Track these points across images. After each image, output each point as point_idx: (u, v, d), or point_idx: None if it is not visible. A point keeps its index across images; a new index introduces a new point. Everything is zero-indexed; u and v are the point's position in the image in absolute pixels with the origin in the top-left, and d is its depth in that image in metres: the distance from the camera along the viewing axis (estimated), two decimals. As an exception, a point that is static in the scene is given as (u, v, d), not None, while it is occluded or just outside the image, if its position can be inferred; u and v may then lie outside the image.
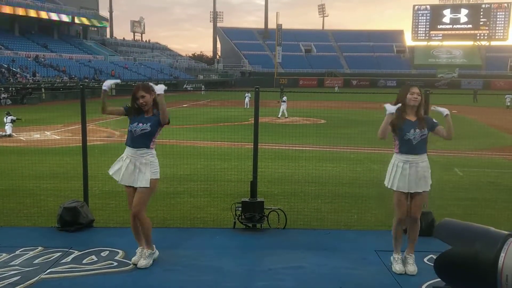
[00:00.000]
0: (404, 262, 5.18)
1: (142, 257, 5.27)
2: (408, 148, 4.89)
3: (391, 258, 5.28)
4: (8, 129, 19.12)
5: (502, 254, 1.19)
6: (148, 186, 5.07)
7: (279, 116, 27.21)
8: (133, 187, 5.13)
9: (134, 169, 5.08)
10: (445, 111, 4.90)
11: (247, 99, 32.73)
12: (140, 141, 5.08)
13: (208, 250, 5.78)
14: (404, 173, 4.90)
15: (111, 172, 5.28)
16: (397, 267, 5.15)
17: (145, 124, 5.05)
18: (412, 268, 5.09)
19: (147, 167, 5.08)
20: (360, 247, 5.95)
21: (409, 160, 4.90)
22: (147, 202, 5.26)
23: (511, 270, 1.17)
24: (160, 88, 5.03)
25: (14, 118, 19.54)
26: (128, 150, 5.15)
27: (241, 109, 26.75)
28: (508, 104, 37.18)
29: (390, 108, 4.90)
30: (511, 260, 1.17)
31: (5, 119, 19.38)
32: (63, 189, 9.08)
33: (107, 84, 5.22)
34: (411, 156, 4.90)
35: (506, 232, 1.24)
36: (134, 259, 5.32)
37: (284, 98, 27.99)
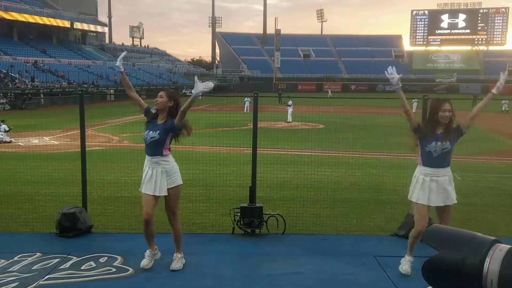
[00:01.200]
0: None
1: (175, 260, 5.36)
2: (428, 160, 4.89)
3: (404, 259, 5.31)
4: (3, 137, 18.91)
5: (487, 260, 1.22)
6: (166, 194, 5.11)
7: (290, 120, 27.31)
8: (149, 194, 5.13)
9: (151, 176, 5.10)
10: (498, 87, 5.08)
11: (247, 104, 32.68)
12: (152, 149, 5.11)
13: (207, 256, 5.77)
14: (424, 185, 4.91)
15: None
16: (404, 267, 5.21)
17: (154, 132, 5.07)
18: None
19: (163, 176, 5.10)
20: (359, 253, 5.95)
21: (429, 173, 4.90)
22: (177, 208, 5.33)
23: (496, 275, 1.20)
24: (198, 88, 4.92)
25: (7, 128, 19.26)
26: (147, 158, 5.20)
27: (240, 114, 26.78)
28: (505, 109, 37.18)
29: (393, 75, 5.00)
30: (495, 265, 1.20)
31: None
32: (62, 194, 9.08)
33: (119, 64, 5.33)
34: (431, 169, 4.89)
35: (492, 238, 1.26)
36: (143, 262, 5.31)
37: (290, 102, 28.08)
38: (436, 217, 5.22)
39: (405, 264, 5.25)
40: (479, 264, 1.20)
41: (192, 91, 5.01)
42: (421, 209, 4.99)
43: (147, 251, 5.40)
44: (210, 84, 5.07)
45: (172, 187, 5.12)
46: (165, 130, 5.07)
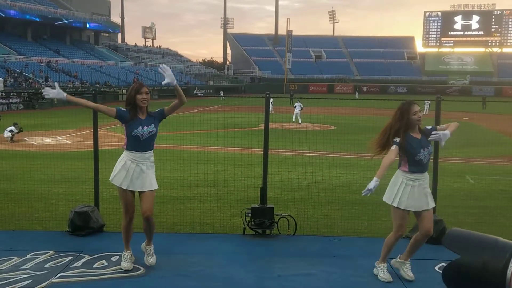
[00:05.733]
0: (401, 268, 5.18)
1: (149, 255, 5.33)
2: (418, 167, 4.86)
3: (378, 267, 5.21)
4: (7, 136, 18.96)
5: (511, 265, 1.20)
6: (157, 187, 5.15)
7: (294, 121, 27.12)
8: (132, 192, 5.12)
9: (140, 173, 5.04)
10: (446, 134, 4.91)
11: (271, 106, 32.47)
12: (148, 144, 5.07)
13: (217, 256, 5.78)
14: (412, 191, 4.86)
15: (117, 182, 5.06)
16: (385, 276, 5.11)
17: (150, 126, 5.01)
18: (411, 273, 5.09)
19: (152, 169, 5.15)
20: (370, 255, 5.91)
21: (416, 178, 4.87)
22: None
23: None
24: (169, 78, 5.02)
25: (15, 130, 19.33)
26: (134, 155, 5.02)
27: (251, 114, 26.73)
28: None
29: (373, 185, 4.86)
30: None
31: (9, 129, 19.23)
32: (74, 193, 9.16)
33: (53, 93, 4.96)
34: (419, 175, 4.88)
35: None
36: (126, 265, 5.23)
37: (296, 104, 28.00)
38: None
39: (384, 272, 5.13)
40: (502, 268, 1.19)
41: (169, 83, 5.01)
42: (405, 216, 4.96)
43: (126, 253, 5.31)
44: (164, 68, 5.00)
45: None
46: (157, 121, 5.13)
